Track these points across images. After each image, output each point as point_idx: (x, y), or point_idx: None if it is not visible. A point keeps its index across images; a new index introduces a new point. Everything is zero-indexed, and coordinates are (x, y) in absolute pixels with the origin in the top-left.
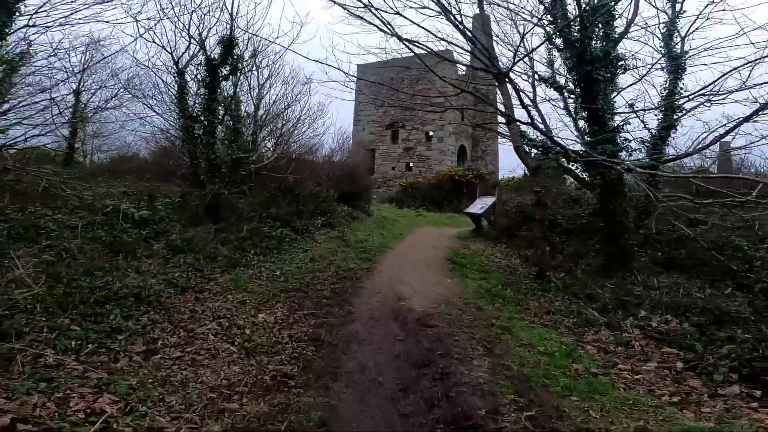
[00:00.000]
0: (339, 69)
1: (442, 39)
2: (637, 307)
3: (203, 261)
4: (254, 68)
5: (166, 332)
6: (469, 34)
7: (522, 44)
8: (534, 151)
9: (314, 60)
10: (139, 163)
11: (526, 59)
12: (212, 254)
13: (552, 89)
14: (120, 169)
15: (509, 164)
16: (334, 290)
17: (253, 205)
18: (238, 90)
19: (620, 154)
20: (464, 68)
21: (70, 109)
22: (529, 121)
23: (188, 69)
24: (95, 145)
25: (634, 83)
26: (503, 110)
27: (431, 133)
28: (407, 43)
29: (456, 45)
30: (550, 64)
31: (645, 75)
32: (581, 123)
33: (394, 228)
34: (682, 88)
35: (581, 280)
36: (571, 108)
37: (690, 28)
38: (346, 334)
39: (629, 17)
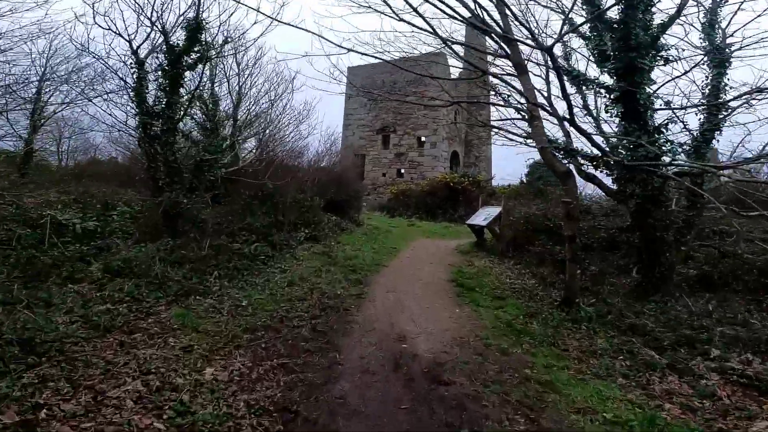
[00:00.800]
0: (328, 55)
1: (452, 16)
2: (706, 343)
3: (145, 288)
4: (232, 57)
5: (61, 394)
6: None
7: (565, 21)
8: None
9: (305, 30)
10: (108, 167)
11: (541, 51)
12: (159, 279)
13: (573, 84)
14: (85, 174)
15: (502, 171)
16: (315, 327)
17: (225, 215)
18: (207, 82)
19: (662, 158)
20: (459, 69)
21: (29, 108)
22: (567, 116)
23: (150, 60)
24: (70, 147)
25: (677, 77)
26: (522, 104)
27: (423, 138)
28: (407, 21)
29: (468, 21)
30: (566, 57)
31: (693, 68)
32: (607, 122)
33: (386, 240)
34: (726, 85)
35: (616, 307)
36: (592, 106)
37: (731, 19)
38: (329, 399)
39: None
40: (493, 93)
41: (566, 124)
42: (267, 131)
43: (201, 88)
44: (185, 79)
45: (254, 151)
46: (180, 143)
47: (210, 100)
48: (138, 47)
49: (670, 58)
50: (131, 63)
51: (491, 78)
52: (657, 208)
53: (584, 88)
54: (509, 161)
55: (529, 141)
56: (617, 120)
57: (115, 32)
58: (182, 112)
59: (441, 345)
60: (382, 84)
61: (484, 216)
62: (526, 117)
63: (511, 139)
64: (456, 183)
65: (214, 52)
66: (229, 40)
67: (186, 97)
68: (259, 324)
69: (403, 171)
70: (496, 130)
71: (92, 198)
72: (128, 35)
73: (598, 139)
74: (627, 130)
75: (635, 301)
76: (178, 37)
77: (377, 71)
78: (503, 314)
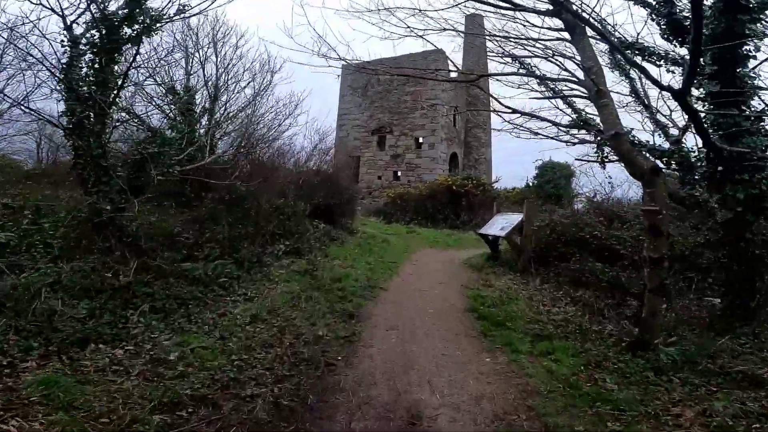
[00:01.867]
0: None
1: None
2: None
3: (16, 333)
4: (210, 46)
5: None
6: None
7: None
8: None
9: None
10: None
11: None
12: (44, 319)
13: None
14: (41, 174)
15: (502, 174)
16: (278, 400)
17: (190, 224)
18: (184, 75)
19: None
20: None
21: None
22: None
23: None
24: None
25: None
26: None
27: (421, 139)
28: None
29: None
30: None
31: None
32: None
33: (384, 252)
34: None
35: (704, 346)
36: (642, 91)
37: None
38: None
39: None
40: (522, 69)
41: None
42: (247, 126)
43: (153, 70)
44: (125, 57)
45: (231, 147)
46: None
47: (184, 93)
48: (72, 23)
49: None
50: (64, 41)
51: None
52: (759, 218)
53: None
54: (509, 164)
55: (573, 131)
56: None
57: (47, 7)
58: (115, 93)
59: (477, 429)
60: (378, 82)
61: (501, 224)
62: (590, 94)
63: (558, 135)
64: (459, 186)
65: (162, 23)
66: (186, 8)
67: (125, 81)
68: (187, 393)
69: (399, 173)
70: (525, 119)
71: (23, 203)
72: (61, 9)
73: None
74: (719, 121)
75: (717, 335)
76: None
77: (373, 68)
78: (556, 366)
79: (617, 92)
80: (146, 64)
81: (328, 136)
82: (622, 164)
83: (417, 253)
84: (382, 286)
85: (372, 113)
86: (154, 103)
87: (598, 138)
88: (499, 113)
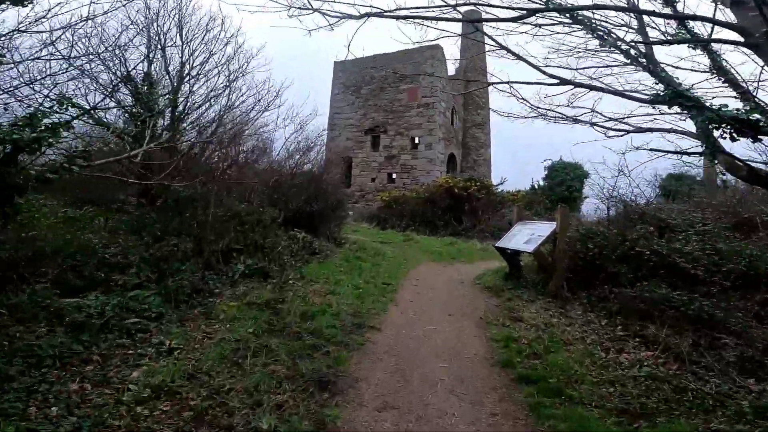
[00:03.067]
0: None
1: None
2: None
3: None
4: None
5: None
6: None
7: None
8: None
9: None
10: None
11: None
12: None
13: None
14: None
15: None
16: None
17: (107, 239)
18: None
19: None
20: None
21: None
22: None
23: None
24: None
25: None
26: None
27: (417, 139)
28: None
29: None
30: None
31: None
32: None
33: (377, 269)
34: None
35: None
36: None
37: None
38: None
39: None
40: (589, 32)
41: None
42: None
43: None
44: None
45: (162, 133)
46: None
47: (144, 83)
48: None
49: None
50: None
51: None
52: None
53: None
54: (509, 166)
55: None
56: None
57: None
58: None
59: None
60: (372, 79)
61: (525, 235)
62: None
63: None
64: (461, 188)
65: None
66: None
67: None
68: None
69: (394, 176)
70: (568, 97)
71: None
72: None
73: None
74: None
75: None
76: None
77: (365, 66)
78: None
79: None
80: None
81: (319, 137)
82: None
83: (416, 269)
84: (373, 324)
85: (365, 112)
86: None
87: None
88: (542, 83)
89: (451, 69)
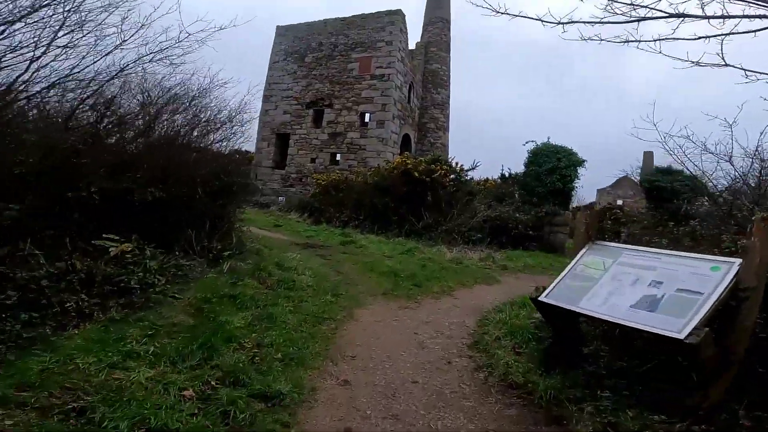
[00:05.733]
0: None
1: None
2: None
3: None
4: None
5: None
6: None
7: None
8: None
9: None
10: None
11: None
12: None
13: None
14: None
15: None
16: None
17: None
18: None
19: None
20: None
21: None
22: None
23: None
24: None
25: None
26: None
27: (368, 116)
28: None
29: None
30: None
31: None
32: None
33: (267, 333)
34: None
35: None
36: None
37: None
38: None
39: None
40: None
41: None
42: None
43: None
44: None
45: None
46: None
47: None
48: None
49: None
50: None
51: None
52: None
53: None
54: (469, 153)
55: None
56: None
57: None
58: None
59: None
60: (320, 46)
61: (640, 290)
62: None
63: None
64: (422, 172)
65: None
66: None
67: None
68: None
69: (339, 157)
70: None
71: None
72: None
73: None
74: None
75: None
76: None
77: (313, 31)
78: None
79: None
80: None
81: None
82: None
83: (356, 319)
84: None
85: (309, 83)
86: None
87: None
88: None
89: (412, 44)
